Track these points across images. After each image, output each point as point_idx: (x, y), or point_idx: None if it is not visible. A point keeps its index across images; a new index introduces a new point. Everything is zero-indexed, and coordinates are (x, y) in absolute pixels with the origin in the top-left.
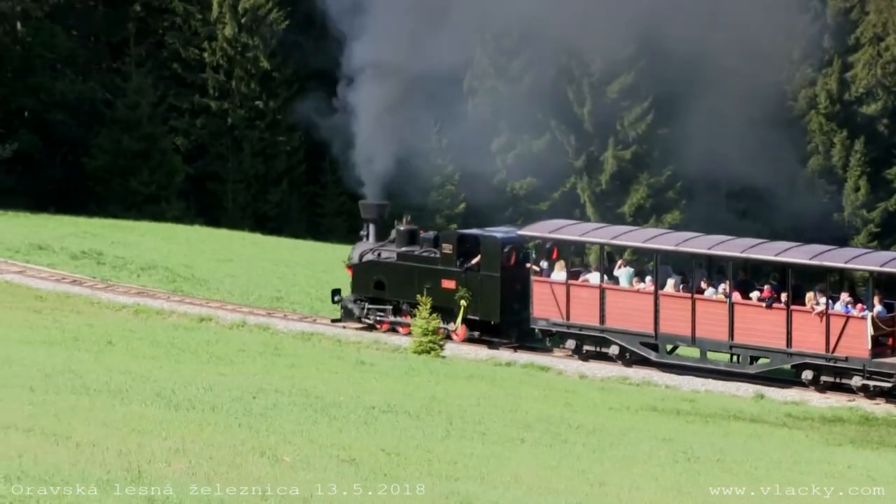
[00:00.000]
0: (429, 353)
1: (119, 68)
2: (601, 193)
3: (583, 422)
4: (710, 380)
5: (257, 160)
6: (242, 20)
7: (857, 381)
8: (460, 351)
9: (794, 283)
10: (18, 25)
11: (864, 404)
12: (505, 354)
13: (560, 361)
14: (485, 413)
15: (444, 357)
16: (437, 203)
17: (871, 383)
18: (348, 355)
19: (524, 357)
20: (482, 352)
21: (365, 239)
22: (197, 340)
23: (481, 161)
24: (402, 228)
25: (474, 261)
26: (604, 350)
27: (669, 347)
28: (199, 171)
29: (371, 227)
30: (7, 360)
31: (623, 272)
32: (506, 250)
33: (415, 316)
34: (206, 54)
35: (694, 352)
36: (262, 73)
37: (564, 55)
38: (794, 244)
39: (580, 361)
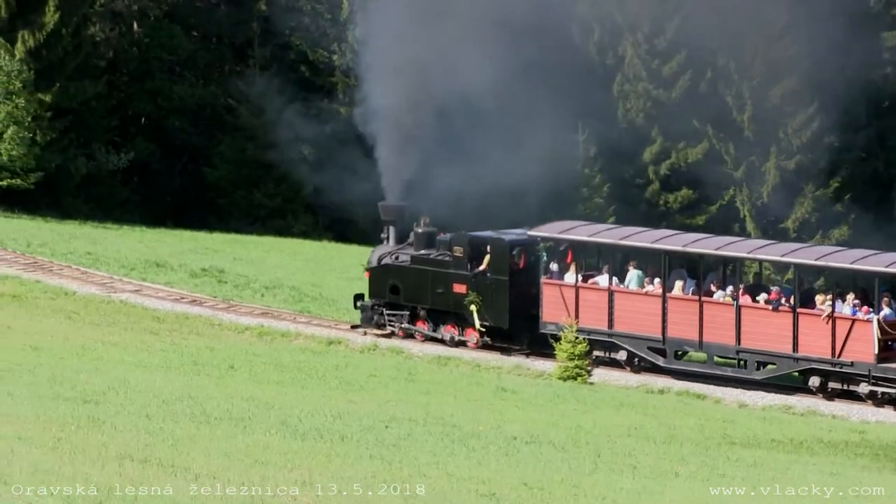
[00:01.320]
0: (575, 379)
1: (242, 72)
2: (762, 207)
3: (742, 454)
4: (882, 409)
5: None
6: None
7: (864, 387)
8: (609, 377)
9: (806, 287)
10: (135, 26)
11: None
12: (658, 381)
13: (718, 389)
14: (636, 444)
15: (591, 384)
16: (583, 216)
17: (879, 390)
18: (488, 381)
19: (678, 384)
20: (632, 378)
21: (385, 241)
22: (325, 365)
23: (633, 172)
24: (419, 231)
25: (484, 264)
26: (613, 356)
27: (680, 353)
28: (328, 182)
29: (391, 229)
30: (123, 384)
31: (632, 274)
32: (514, 252)
33: (428, 322)
34: (335, 56)
35: (704, 357)
36: None
37: (723, 56)
38: (803, 245)
39: (740, 390)
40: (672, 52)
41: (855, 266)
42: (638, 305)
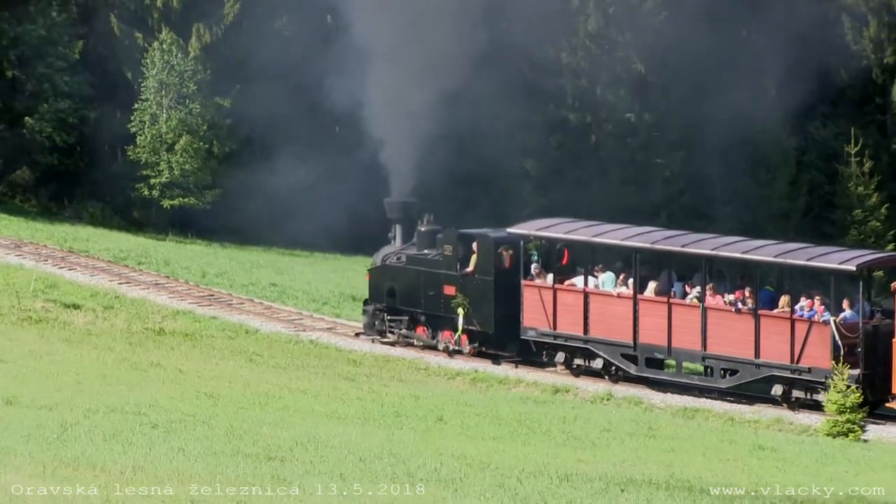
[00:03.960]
0: (846, 435)
1: (453, 69)
2: None
3: None
4: None
5: (628, 189)
6: (610, 11)
7: (824, 396)
8: (887, 433)
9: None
10: (328, 18)
11: None
12: None
13: None
14: None
15: (865, 441)
16: (856, 243)
17: None
18: (742, 438)
19: None
20: None
21: (392, 241)
22: (550, 417)
23: None
24: (422, 229)
25: (471, 265)
26: (592, 364)
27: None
28: (554, 202)
29: (397, 228)
30: (313, 439)
31: (605, 277)
32: (500, 251)
33: (429, 327)
34: (563, 54)
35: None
36: (635, 77)
37: None
38: (771, 242)
39: None
40: None
41: (810, 263)
42: (611, 309)
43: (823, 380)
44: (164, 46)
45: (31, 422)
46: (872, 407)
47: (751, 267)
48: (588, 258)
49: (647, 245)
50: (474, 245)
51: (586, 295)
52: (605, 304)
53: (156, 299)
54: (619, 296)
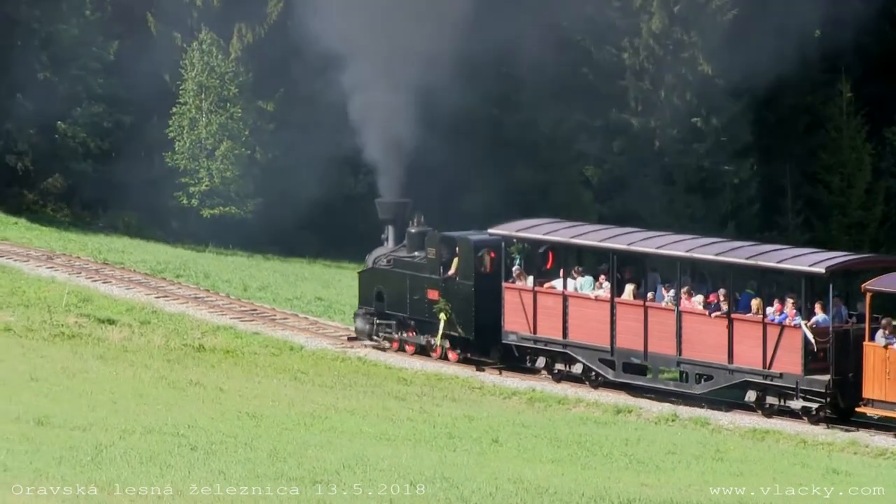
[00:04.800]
0: None
1: (509, 72)
2: None
3: None
4: None
5: (694, 196)
6: (675, 9)
7: (796, 403)
8: None
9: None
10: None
11: None
12: None
13: None
14: None
15: None
16: None
17: (811, 405)
18: (815, 461)
19: None
20: None
21: (385, 242)
22: (611, 439)
23: None
24: (412, 231)
25: (453, 268)
26: (572, 369)
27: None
28: (617, 211)
29: (390, 228)
30: (360, 461)
31: (583, 280)
32: (479, 254)
33: (418, 332)
34: (626, 55)
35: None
36: (702, 79)
37: None
38: (747, 243)
39: None
40: None
41: (780, 265)
42: (590, 312)
43: (794, 386)
44: (204, 47)
45: (64, 443)
46: (844, 415)
47: (724, 269)
48: (573, 260)
49: (623, 247)
50: (457, 248)
51: (565, 298)
52: (583, 307)
53: (195, 314)
54: (596, 299)
